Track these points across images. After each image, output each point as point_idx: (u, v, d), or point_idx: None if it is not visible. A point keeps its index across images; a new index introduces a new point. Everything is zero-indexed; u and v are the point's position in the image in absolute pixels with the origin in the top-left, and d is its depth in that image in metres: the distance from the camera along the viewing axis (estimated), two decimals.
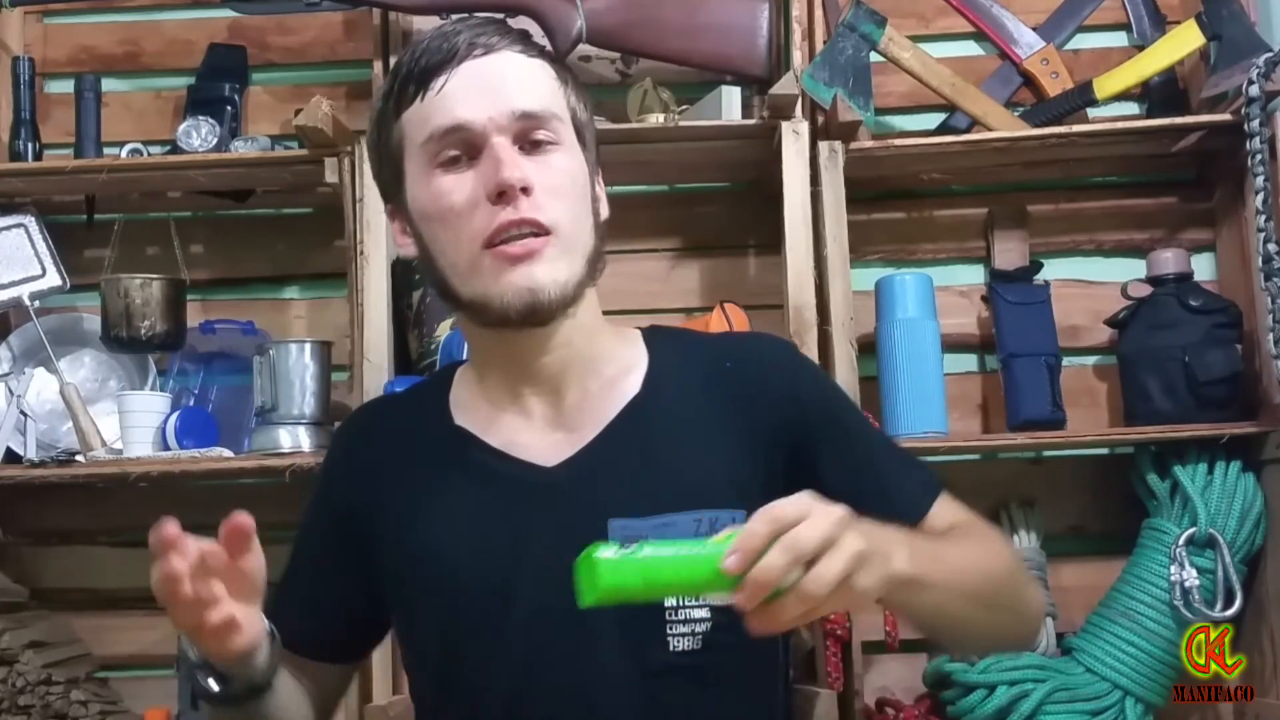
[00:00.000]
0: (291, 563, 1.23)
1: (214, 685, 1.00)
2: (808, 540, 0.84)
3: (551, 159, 1.07)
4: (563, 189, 1.07)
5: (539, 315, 1.05)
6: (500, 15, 1.66)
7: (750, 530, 0.85)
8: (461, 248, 1.05)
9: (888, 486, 1.13)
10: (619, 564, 0.86)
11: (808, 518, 0.85)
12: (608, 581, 0.85)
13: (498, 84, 1.06)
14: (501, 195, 1.03)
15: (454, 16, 1.70)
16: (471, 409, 1.15)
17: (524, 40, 1.11)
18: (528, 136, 1.06)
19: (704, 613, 1.05)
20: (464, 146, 1.06)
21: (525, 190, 1.03)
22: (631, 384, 1.13)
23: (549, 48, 1.15)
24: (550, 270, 1.04)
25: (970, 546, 1.08)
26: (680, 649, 1.04)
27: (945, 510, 1.14)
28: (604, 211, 1.15)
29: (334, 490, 1.20)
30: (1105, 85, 1.78)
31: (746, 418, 1.12)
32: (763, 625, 0.86)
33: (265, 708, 1.04)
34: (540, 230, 1.04)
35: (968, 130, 1.83)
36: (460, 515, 1.10)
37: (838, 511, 0.86)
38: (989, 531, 1.14)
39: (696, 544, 0.88)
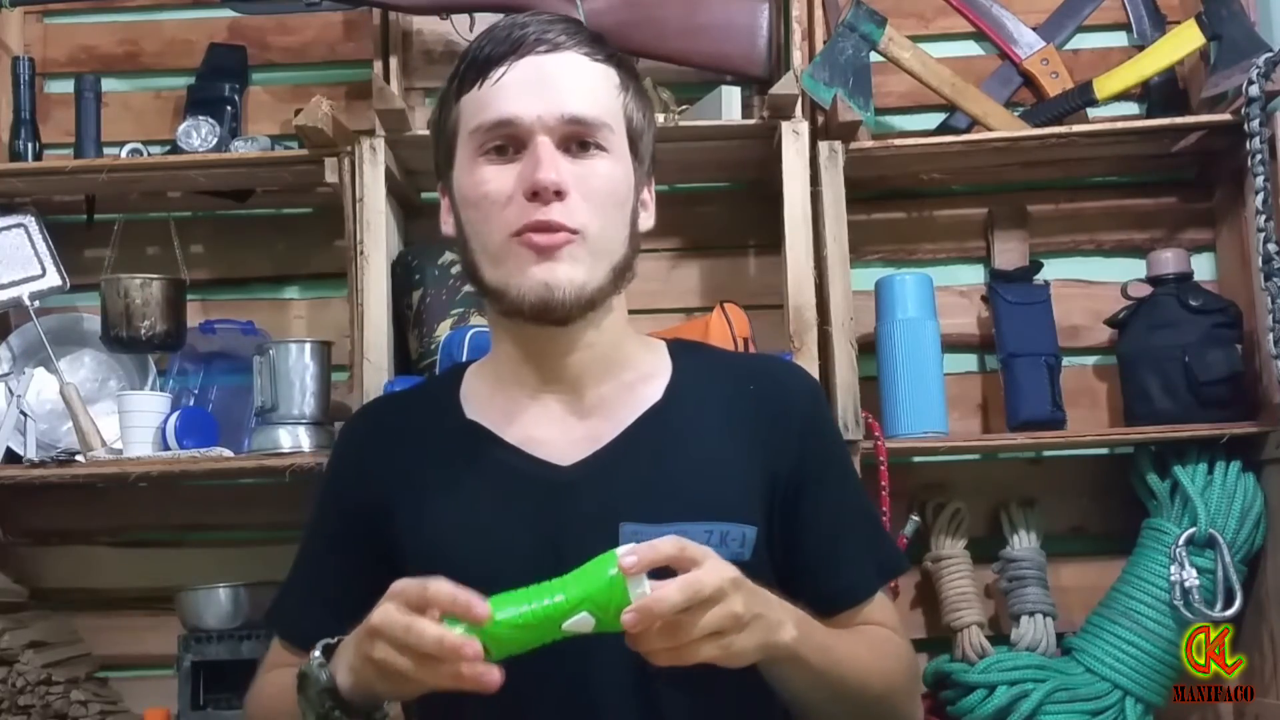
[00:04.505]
0: (299, 561, 1.23)
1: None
2: (705, 588, 0.89)
3: (595, 165, 1.08)
4: (599, 196, 1.08)
5: (552, 312, 1.06)
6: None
7: (662, 598, 0.89)
8: (493, 235, 1.07)
9: (845, 556, 1.14)
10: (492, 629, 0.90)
11: (708, 568, 0.90)
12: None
13: (554, 83, 1.08)
14: (536, 195, 1.05)
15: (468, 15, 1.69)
16: (486, 405, 1.16)
17: (592, 42, 1.12)
18: (575, 140, 1.08)
19: None
20: (510, 140, 1.08)
21: (559, 194, 1.05)
22: (653, 390, 1.14)
23: (617, 52, 1.15)
24: (569, 270, 1.06)
25: (864, 650, 1.10)
26: None
27: (882, 606, 1.17)
28: (647, 223, 1.16)
29: (342, 489, 1.20)
30: (1105, 85, 1.78)
31: (764, 441, 1.13)
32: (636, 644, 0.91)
33: None
34: (568, 232, 1.05)
35: (968, 130, 1.83)
36: (473, 510, 1.10)
37: (731, 572, 0.92)
38: (896, 647, 1.16)
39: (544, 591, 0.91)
